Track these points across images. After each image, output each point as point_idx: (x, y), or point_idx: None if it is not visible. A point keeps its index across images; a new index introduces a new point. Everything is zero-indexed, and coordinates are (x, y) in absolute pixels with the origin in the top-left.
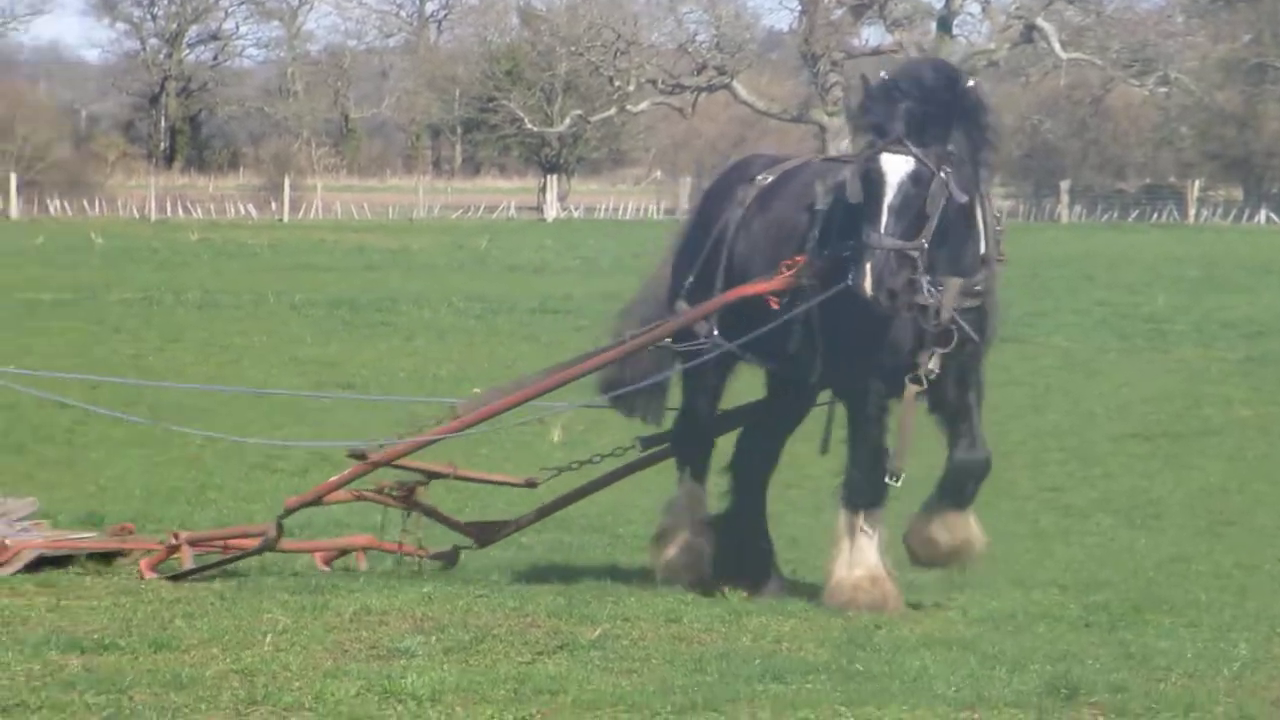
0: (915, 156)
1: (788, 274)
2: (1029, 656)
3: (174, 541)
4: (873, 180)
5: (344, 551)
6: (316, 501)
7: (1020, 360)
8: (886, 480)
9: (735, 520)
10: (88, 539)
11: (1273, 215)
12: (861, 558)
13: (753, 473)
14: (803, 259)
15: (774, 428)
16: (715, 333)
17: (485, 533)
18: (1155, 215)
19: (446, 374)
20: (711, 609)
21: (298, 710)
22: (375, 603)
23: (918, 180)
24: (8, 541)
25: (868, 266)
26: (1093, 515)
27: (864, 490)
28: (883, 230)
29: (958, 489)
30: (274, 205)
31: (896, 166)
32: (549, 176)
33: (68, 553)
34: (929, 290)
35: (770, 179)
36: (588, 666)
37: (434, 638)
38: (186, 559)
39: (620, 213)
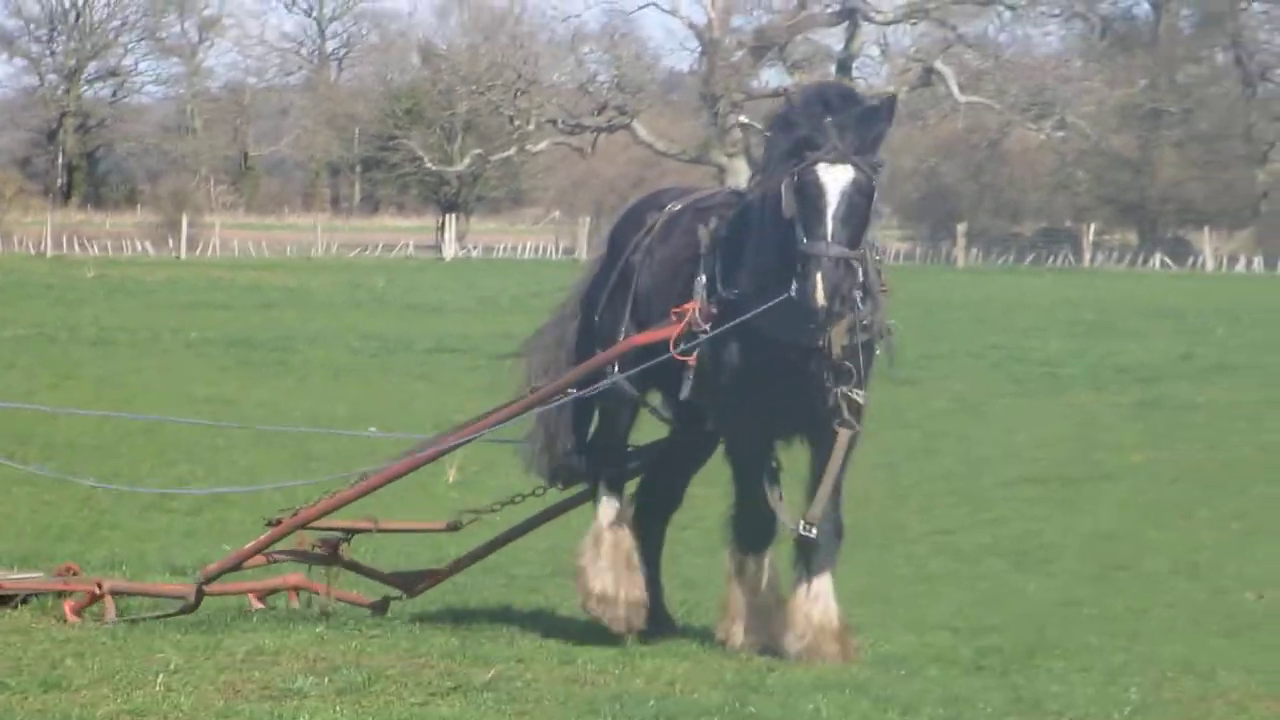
0: (855, 165)
1: (678, 322)
2: (921, 700)
3: (97, 591)
4: (812, 191)
5: (275, 590)
6: (237, 566)
7: (913, 403)
8: (802, 531)
9: None
10: (30, 579)
11: (1166, 260)
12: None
13: (655, 513)
14: (693, 305)
15: (678, 467)
16: (616, 368)
17: (412, 582)
18: (1051, 259)
19: (343, 413)
20: (605, 650)
21: None
22: (268, 643)
23: (859, 189)
24: None
25: (818, 276)
26: (984, 559)
27: (751, 531)
28: (830, 239)
29: (805, 552)
30: (171, 242)
31: (837, 176)
32: (447, 215)
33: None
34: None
35: (678, 207)
36: (481, 708)
37: (327, 678)
38: (109, 610)
39: (519, 252)
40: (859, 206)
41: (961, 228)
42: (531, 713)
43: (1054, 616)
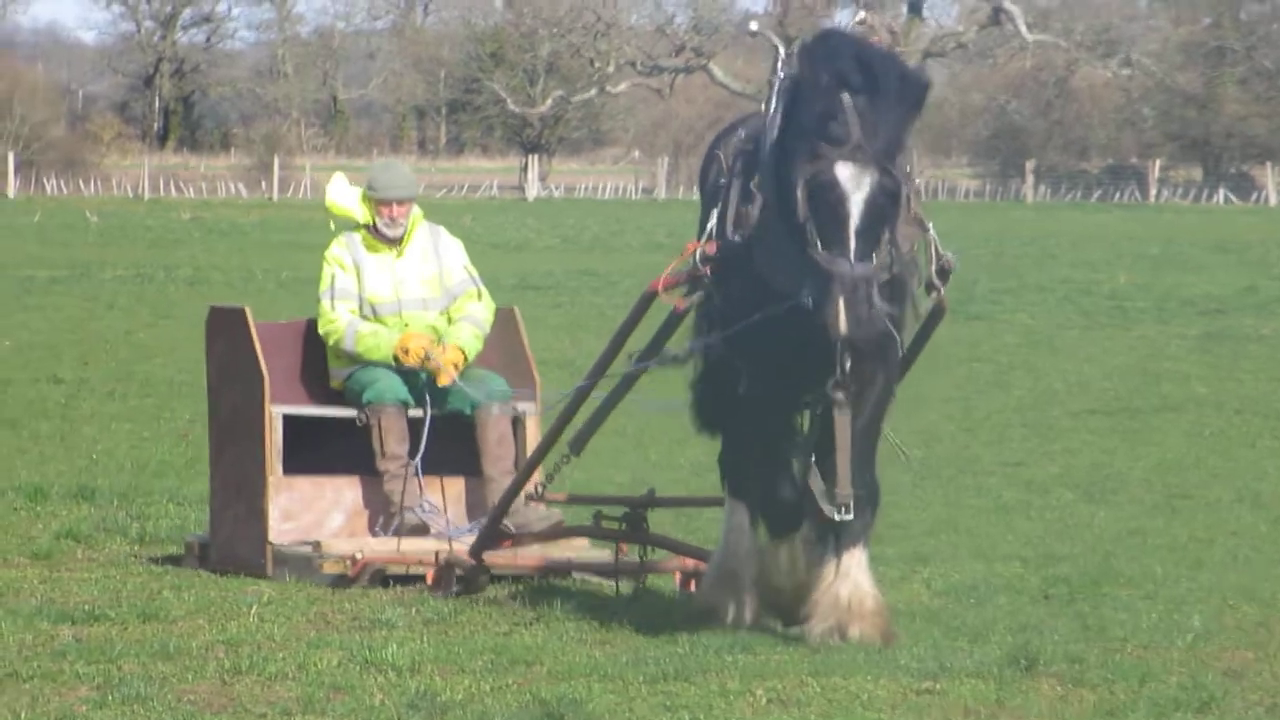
0: (881, 167)
1: (675, 264)
2: (990, 628)
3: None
4: (830, 198)
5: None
6: (492, 540)
7: (985, 337)
8: (835, 515)
9: None
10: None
11: (1230, 195)
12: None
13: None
14: (692, 245)
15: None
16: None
17: None
18: (1117, 195)
19: None
20: None
21: (281, 680)
22: None
23: (884, 192)
24: (357, 555)
25: (841, 302)
26: (1053, 490)
27: (778, 516)
28: (852, 257)
29: (833, 524)
30: (263, 184)
31: (860, 181)
32: (530, 156)
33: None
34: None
35: (743, 133)
36: (563, 638)
37: (414, 609)
38: (447, 582)
39: (599, 192)
40: (884, 211)
41: (1030, 164)
42: (611, 642)
43: (1120, 546)
